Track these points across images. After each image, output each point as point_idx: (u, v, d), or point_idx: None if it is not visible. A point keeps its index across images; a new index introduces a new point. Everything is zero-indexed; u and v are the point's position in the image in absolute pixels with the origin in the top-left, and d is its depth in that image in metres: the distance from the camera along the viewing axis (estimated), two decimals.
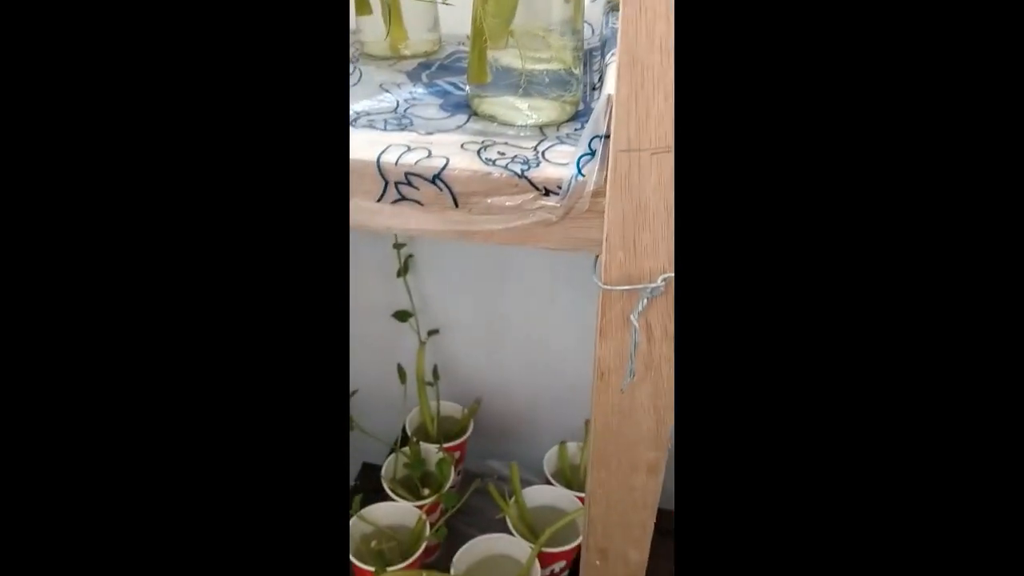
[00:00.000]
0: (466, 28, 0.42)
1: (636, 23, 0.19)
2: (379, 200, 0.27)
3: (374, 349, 0.68)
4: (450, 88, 0.34)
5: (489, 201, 0.26)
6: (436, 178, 0.26)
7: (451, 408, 0.66)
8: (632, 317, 0.24)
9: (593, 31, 0.44)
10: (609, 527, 0.33)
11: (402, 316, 0.64)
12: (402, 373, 0.62)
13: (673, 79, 0.19)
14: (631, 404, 0.28)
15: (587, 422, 0.60)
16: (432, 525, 0.54)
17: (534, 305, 0.62)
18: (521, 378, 0.66)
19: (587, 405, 0.60)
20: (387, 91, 0.33)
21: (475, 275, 0.62)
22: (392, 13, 0.39)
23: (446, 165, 0.26)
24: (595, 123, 0.24)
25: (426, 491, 0.57)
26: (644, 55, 0.19)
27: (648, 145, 0.21)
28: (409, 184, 0.27)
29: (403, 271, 0.61)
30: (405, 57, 0.40)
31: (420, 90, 0.34)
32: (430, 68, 0.38)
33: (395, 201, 0.27)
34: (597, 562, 0.36)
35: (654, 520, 0.33)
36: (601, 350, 0.26)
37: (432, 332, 0.65)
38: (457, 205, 0.27)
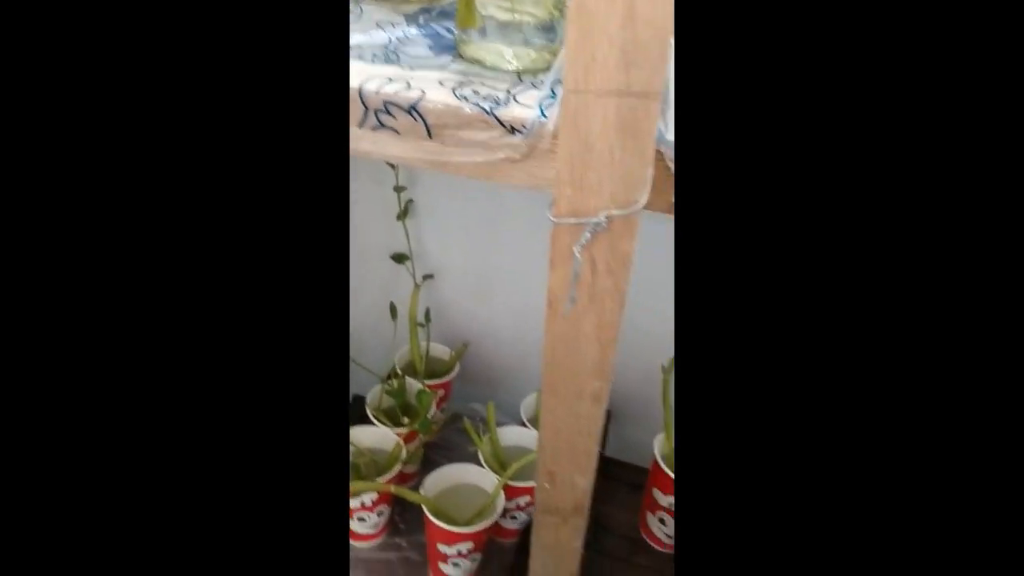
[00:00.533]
0: None
1: None
2: (360, 126, 0.30)
3: (371, 288, 0.71)
4: (443, 32, 0.36)
5: (460, 134, 0.29)
6: (412, 108, 0.28)
7: (440, 350, 0.70)
8: (575, 249, 0.26)
9: None
10: (557, 452, 0.36)
11: (399, 258, 0.67)
12: (394, 311, 0.65)
13: (618, 26, 0.21)
14: (576, 334, 0.30)
15: None
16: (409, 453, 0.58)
17: (527, 256, 0.64)
18: (509, 326, 0.69)
19: None
20: (381, 28, 0.35)
21: (472, 223, 0.64)
22: None
23: (422, 97, 0.28)
24: (558, 68, 0.26)
25: (406, 420, 0.60)
26: (591, 2, 0.21)
27: (594, 87, 0.23)
28: (388, 112, 0.29)
29: (402, 215, 0.64)
30: (409, 1, 0.42)
31: (413, 30, 0.35)
32: (430, 12, 0.39)
33: (374, 128, 0.30)
34: (547, 485, 0.39)
35: (598, 449, 0.36)
36: (551, 280, 0.29)
37: (427, 276, 0.68)
38: (431, 136, 0.29)
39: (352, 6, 0.40)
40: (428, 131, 0.29)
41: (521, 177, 0.29)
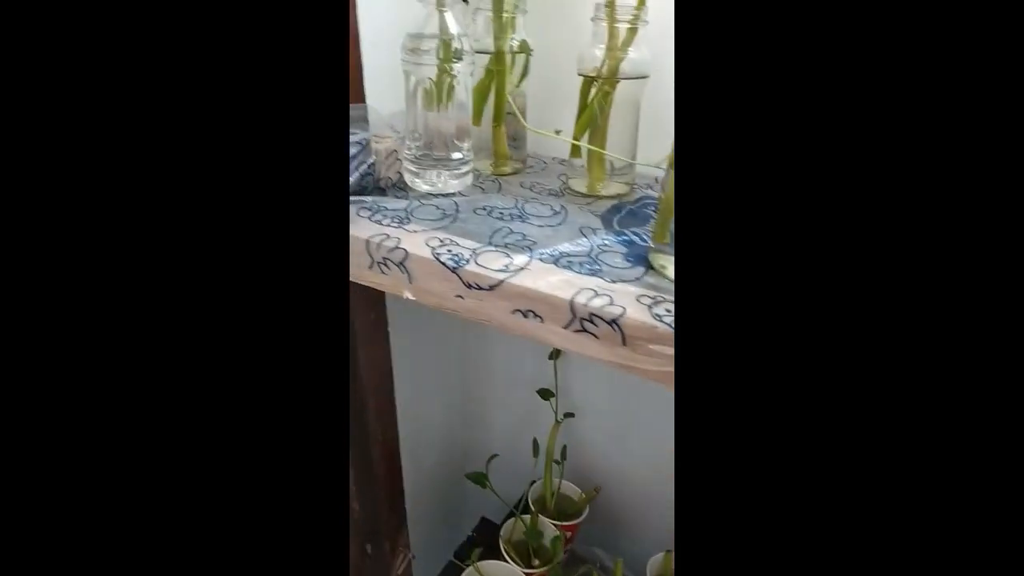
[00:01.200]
0: (653, 171, 0.50)
1: None
2: (565, 327, 0.35)
3: (516, 418, 0.76)
4: (635, 239, 0.42)
5: (651, 347, 0.33)
6: (614, 322, 0.34)
7: (570, 488, 0.72)
8: None
9: None
10: None
11: (545, 394, 0.71)
12: (536, 447, 0.69)
13: None
14: None
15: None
16: None
17: (667, 406, 0.66)
18: (641, 473, 0.70)
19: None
20: (584, 236, 0.42)
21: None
22: (594, 158, 0.49)
23: (623, 314, 0.33)
24: None
25: (536, 561, 0.62)
26: None
27: None
28: (591, 322, 0.34)
29: (555, 354, 0.69)
30: (602, 197, 0.49)
31: (611, 238, 0.42)
32: (620, 212, 0.46)
33: (576, 331, 0.35)
34: None
35: None
36: None
37: (568, 415, 0.72)
38: (625, 343, 0.34)
39: (555, 204, 0.47)
40: (623, 340, 0.34)
41: None
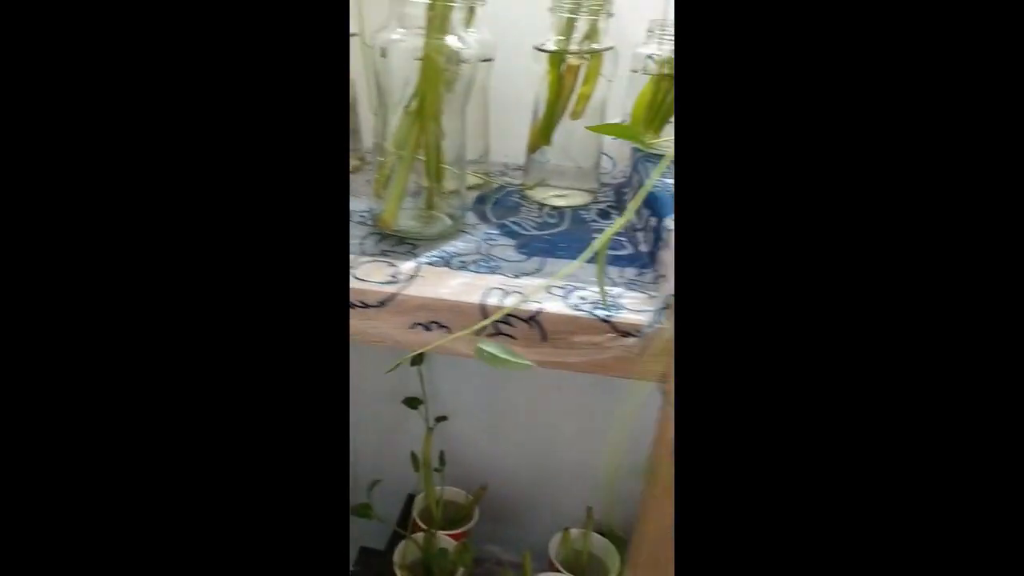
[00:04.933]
0: (507, 158, 0.48)
1: None
2: (477, 333, 0.32)
3: (380, 433, 0.70)
4: (516, 228, 0.40)
5: (574, 338, 0.32)
6: (532, 319, 0.31)
7: (455, 493, 0.69)
8: None
9: (615, 164, 0.51)
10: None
11: (412, 403, 0.67)
12: (415, 460, 0.65)
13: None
14: None
15: (589, 509, 0.64)
16: None
17: (540, 394, 0.66)
18: (524, 465, 0.70)
19: (588, 492, 0.64)
20: (467, 232, 0.39)
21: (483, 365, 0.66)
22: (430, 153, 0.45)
23: (540, 311, 0.31)
24: (670, 283, 0.30)
25: None
26: None
27: None
28: (507, 323, 0.32)
29: (417, 359, 0.65)
30: (470, 187, 0.46)
31: (495, 232, 0.39)
32: (487, 203, 0.44)
33: (491, 335, 0.32)
34: None
35: None
36: (655, 453, 0.31)
37: (440, 418, 0.69)
38: (546, 339, 0.32)
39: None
40: (543, 335, 0.32)
41: (634, 371, 0.32)
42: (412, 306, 0.33)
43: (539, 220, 0.42)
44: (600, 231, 0.40)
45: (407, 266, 0.35)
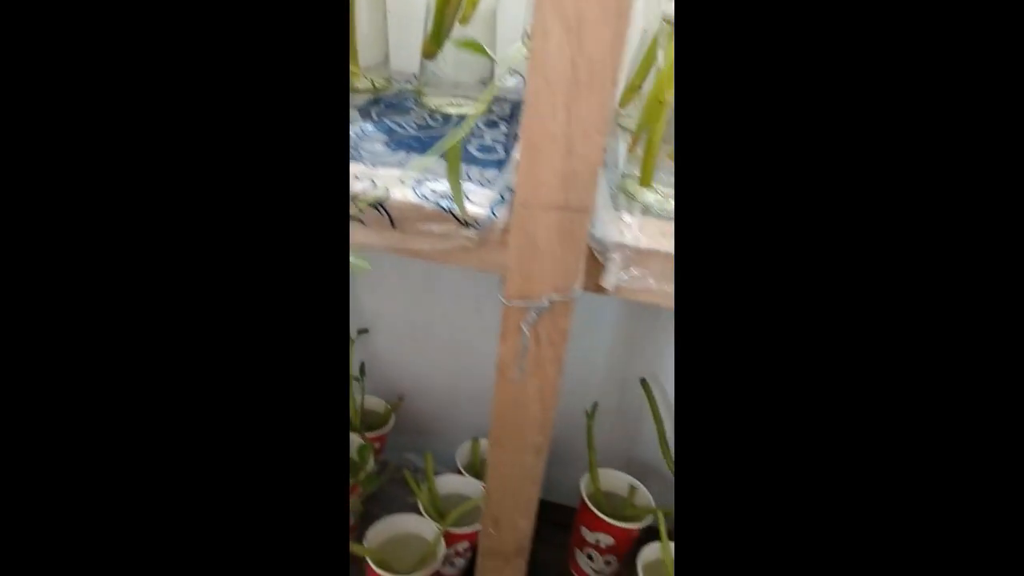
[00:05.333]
0: (413, 67, 0.48)
1: (535, 106, 0.26)
2: None
3: None
4: (395, 127, 0.41)
5: (420, 226, 0.33)
6: (379, 205, 0.33)
7: (374, 402, 0.72)
8: (523, 326, 0.31)
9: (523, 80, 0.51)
10: (502, 499, 0.41)
11: None
12: None
13: (560, 159, 0.27)
14: (522, 396, 0.35)
15: None
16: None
17: (459, 314, 0.68)
18: (442, 379, 0.73)
19: None
20: None
21: (407, 283, 0.68)
22: (352, 52, 0.45)
23: (387, 196, 0.33)
24: (507, 177, 0.31)
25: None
26: (540, 141, 0.26)
27: (540, 203, 0.28)
28: (356, 207, 0.33)
29: None
30: (359, 91, 0.46)
31: (370, 127, 0.40)
32: (379, 105, 0.44)
33: None
34: (491, 530, 0.43)
35: (538, 495, 0.41)
36: (502, 351, 0.33)
37: (362, 331, 0.71)
38: (394, 227, 0.33)
39: None
40: (392, 222, 0.33)
41: (473, 261, 0.34)
42: None
43: (421, 123, 0.42)
44: (481, 139, 0.41)
45: None
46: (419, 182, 0.34)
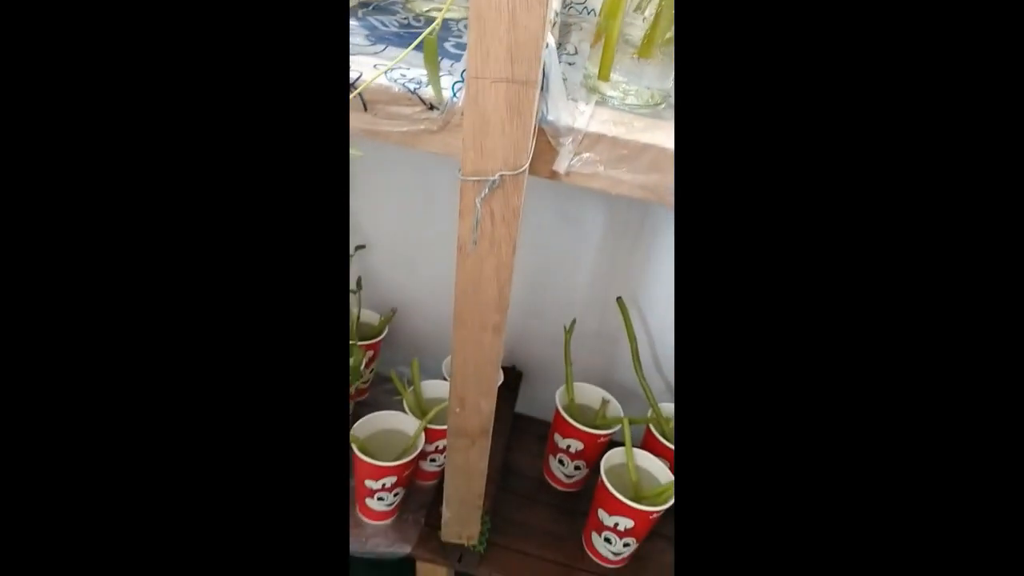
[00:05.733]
0: None
1: None
2: None
3: None
4: (377, 24, 0.43)
5: (389, 109, 0.36)
6: (352, 85, 0.35)
7: (370, 316, 0.76)
8: (477, 201, 0.34)
9: None
10: (466, 379, 0.44)
11: None
12: None
13: (505, 30, 0.29)
14: (479, 274, 0.38)
15: None
16: None
17: (450, 232, 0.71)
18: (433, 295, 0.76)
19: None
20: None
21: (401, 199, 0.71)
22: None
23: (359, 77, 0.35)
24: (465, 59, 0.33)
25: None
26: (486, 12, 0.29)
27: (489, 75, 0.30)
28: None
29: None
30: None
31: (354, 22, 0.42)
32: (368, 7, 0.46)
33: None
34: (457, 409, 0.46)
35: (499, 377, 0.44)
36: (460, 228, 0.36)
37: (359, 247, 0.74)
38: (366, 109, 0.36)
39: None
40: (364, 105, 0.36)
41: (437, 146, 0.36)
42: None
43: (404, 24, 0.44)
44: (459, 38, 0.43)
45: None
46: (395, 70, 0.37)
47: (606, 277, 0.68)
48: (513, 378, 0.77)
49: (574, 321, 0.66)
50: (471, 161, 0.33)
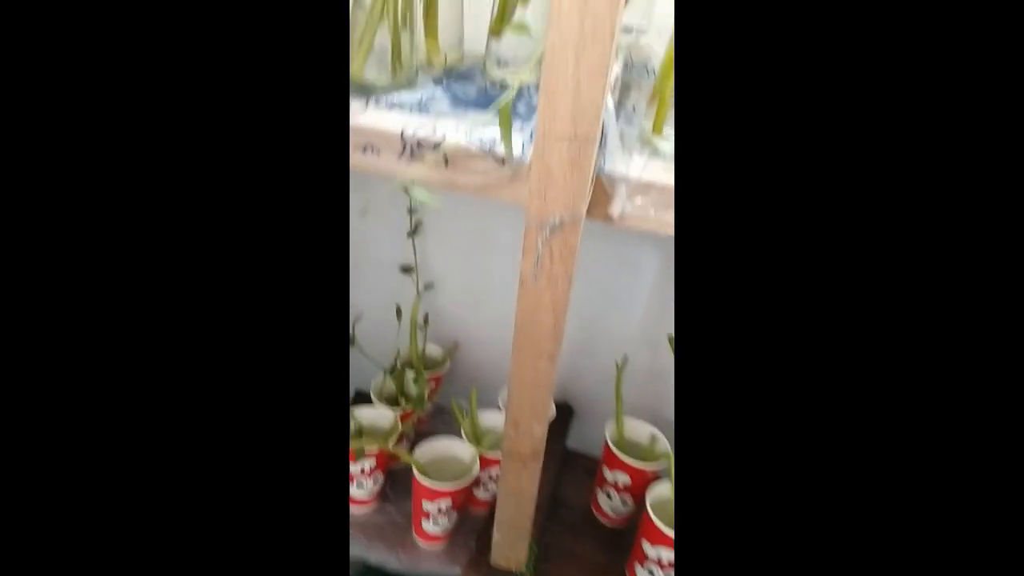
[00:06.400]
0: (482, 48, 0.58)
1: (553, 55, 0.34)
2: (399, 158, 0.43)
3: (382, 294, 0.83)
4: (459, 93, 0.50)
5: (468, 164, 0.42)
6: (437, 146, 0.42)
7: (435, 350, 0.82)
8: (538, 240, 0.40)
9: None
10: (521, 403, 0.49)
11: (406, 269, 0.79)
12: (399, 313, 0.78)
13: (570, 97, 0.35)
14: (537, 306, 0.43)
15: None
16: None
17: (512, 275, 0.77)
18: (494, 333, 0.82)
19: None
20: (414, 88, 0.49)
21: (468, 243, 0.78)
22: (429, 33, 0.56)
23: (444, 139, 0.42)
24: (534, 120, 0.39)
25: (403, 400, 0.72)
26: (554, 84, 0.35)
27: (554, 134, 0.36)
28: (420, 148, 0.43)
29: (412, 232, 0.77)
30: (434, 66, 0.57)
31: (439, 92, 0.50)
32: (451, 76, 0.54)
33: (410, 159, 0.43)
34: (512, 432, 0.51)
35: (552, 402, 0.48)
36: (523, 264, 0.42)
37: (428, 286, 0.81)
38: (447, 165, 0.43)
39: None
40: (445, 161, 0.42)
41: (507, 195, 0.42)
42: (355, 131, 0.44)
43: (482, 90, 0.51)
44: (530, 100, 0.50)
45: (356, 105, 0.46)
46: (472, 130, 0.43)
47: (658, 316, 0.72)
48: (565, 414, 0.80)
49: (625, 358, 0.70)
50: (536, 207, 0.39)
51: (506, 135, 0.40)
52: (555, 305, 0.43)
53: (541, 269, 0.41)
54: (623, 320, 0.74)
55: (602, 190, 0.40)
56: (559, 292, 0.42)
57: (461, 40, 0.58)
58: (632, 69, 0.61)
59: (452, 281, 0.81)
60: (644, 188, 0.40)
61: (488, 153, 0.41)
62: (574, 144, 0.36)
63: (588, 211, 0.42)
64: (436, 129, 0.43)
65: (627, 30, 0.56)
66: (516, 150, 0.41)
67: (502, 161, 0.41)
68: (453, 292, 0.82)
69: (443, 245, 0.79)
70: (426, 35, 0.56)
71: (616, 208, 0.40)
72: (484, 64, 0.57)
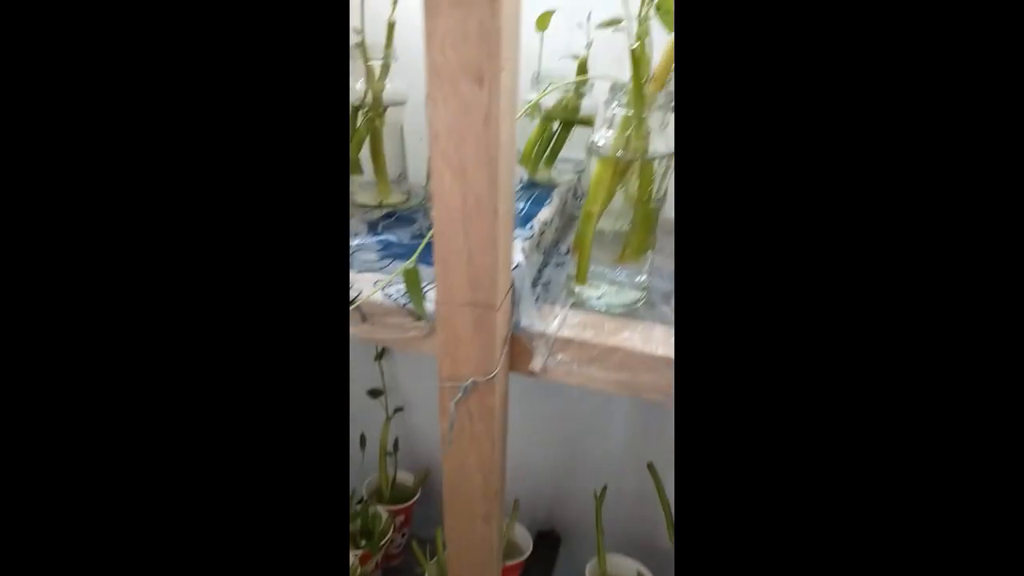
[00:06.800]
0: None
1: (442, 227, 0.34)
2: None
3: (352, 419, 0.81)
4: (393, 239, 0.50)
5: (385, 320, 0.41)
6: (352, 302, 0.41)
7: (406, 477, 0.78)
8: (451, 404, 0.37)
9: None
10: (460, 566, 0.45)
11: (374, 393, 0.77)
12: (363, 440, 0.75)
13: (464, 265, 0.34)
14: (465, 467, 0.40)
15: (516, 501, 0.71)
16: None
17: None
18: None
19: (523, 485, 0.71)
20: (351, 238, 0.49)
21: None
22: (379, 174, 0.56)
23: (359, 295, 0.41)
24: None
25: (363, 542, 0.68)
26: (447, 255, 0.34)
27: (456, 301, 0.35)
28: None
29: (378, 356, 0.76)
30: (385, 206, 0.57)
31: (370, 239, 0.49)
32: (391, 217, 0.54)
33: None
34: None
35: (498, 562, 0.44)
36: (442, 426, 0.39)
37: (398, 409, 0.79)
38: (364, 320, 0.41)
39: None
40: (363, 317, 0.41)
41: (427, 348, 0.40)
42: None
43: (417, 235, 0.51)
44: None
45: None
46: (389, 285, 0.42)
47: (640, 442, 0.68)
48: (551, 543, 0.75)
49: (604, 488, 0.65)
50: (447, 368, 0.37)
51: (415, 295, 0.38)
52: (482, 465, 0.40)
53: (460, 431, 0.39)
54: (602, 443, 0.70)
55: (522, 346, 0.38)
56: (484, 452, 0.39)
57: (404, 175, 0.58)
58: (579, 206, 0.61)
59: (423, 402, 0.79)
60: (565, 344, 0.38)
61: (403, 309, 0.40)
62: (476, 310, 0.34)
63: (512, 366, 0.40)
64: (355, 284, 0.42)
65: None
66: (429, 307, 0.39)
67: (418, 317, 0.40)
68: (424, 413, 0.79)
69: (413, 365, 0.77)
70: (376, 175, 0.57)
71: (537, 364, 0.38)
72: (425, 204, 0.57)
